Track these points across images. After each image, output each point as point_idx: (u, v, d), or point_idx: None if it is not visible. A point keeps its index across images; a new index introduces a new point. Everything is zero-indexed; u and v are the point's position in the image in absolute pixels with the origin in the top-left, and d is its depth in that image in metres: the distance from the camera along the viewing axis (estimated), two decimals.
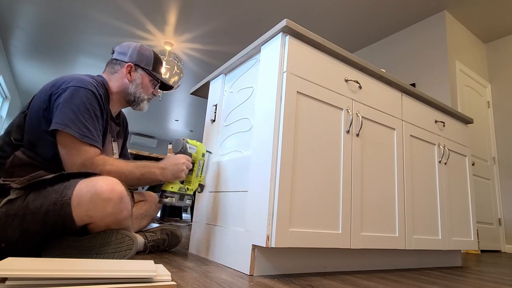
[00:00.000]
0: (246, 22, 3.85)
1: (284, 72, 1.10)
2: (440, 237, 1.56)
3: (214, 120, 1.48)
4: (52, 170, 0.96)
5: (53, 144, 0.96)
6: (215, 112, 1.49)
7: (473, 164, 3.23)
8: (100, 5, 3.65)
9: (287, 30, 1.13)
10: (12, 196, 0.87)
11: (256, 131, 1.14)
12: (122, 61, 1.16)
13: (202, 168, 1.29)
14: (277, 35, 1.15)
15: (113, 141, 1.22)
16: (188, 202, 1.20)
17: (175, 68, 4.27)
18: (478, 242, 3.02)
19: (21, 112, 1.01)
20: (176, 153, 1.19)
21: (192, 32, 4.15)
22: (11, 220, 0.85)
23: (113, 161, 1.01)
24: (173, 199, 1.14)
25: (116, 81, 1.15)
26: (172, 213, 5.07)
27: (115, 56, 1.19)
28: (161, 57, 4.23)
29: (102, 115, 1.05)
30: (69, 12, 3.84)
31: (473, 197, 1.83)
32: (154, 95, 1.26)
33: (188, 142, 1.21)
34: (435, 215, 1.58)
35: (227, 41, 4.29)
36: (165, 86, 1.31)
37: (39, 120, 0.96)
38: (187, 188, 1.20)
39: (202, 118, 7.55)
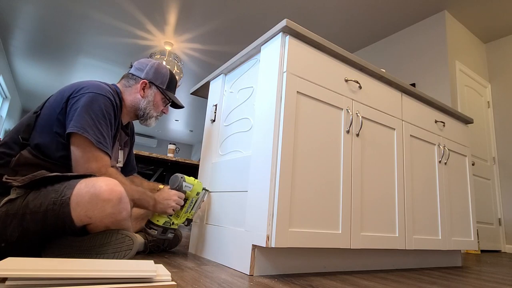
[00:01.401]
0: (246, 22, 3.85)
1: (284, 72, 1.10)
2: (440, 237, 1.56)
3: (214, 120, 1.48)
4: (56, 171, 0.96)
5: (63, 146, 0.97)
6: (215, 112, 1.49)
7: (473, 164, 3.22)
8: (100, 5, 3.64)
9: (287, 30, 1.13)
10: (12, 195, 0.88)
11: (256, 131, 1.13)
12: (138, 77, 1.20)
13: (194, 205, 1.30)
14: (277, 35, 1.15)
15: (120, 149, 1.24)
16: (170, 235, 1.25)
17: (175, 68, 4.27)
18: (478, 242, 3.02)
19: (33, 112, 1.02)
20: (171, 189, 1.23)
21: (192, 32, 4.15)
22: (11, 220, 0.85)
23: (122, 178, 1.05)
24: (156, 232, 1.20)
25: (129, 95, 1.18)
26: None
27: (132, 71, 1.22)
28: (161, 57, 4.23)
29: (115, 123, 1.08)
30: (69, 12, 3.84)
31: (473, 197, 1.83)
32: (164, 112, 1.27)
33: (185, 180, 1.24)
34: (435, 215, 1.58)
35: (227, 41, 4.29)
36: (175, 105, 1.32)
37: (51, 122, 0.98)
38: (172, 223, 1.23)
39: (202, 118, 7.55)
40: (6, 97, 5.98)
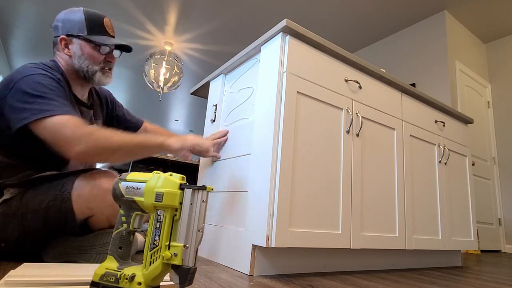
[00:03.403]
0: (246, 22, 3.85)
1: (284, 72, 1.10)
2: (440, 237, 1.56)
3: (214, 120, 1.48)
4: (32, 169, 0.92)
5: (25, 140, 0.88)
6: (215, 112, 1.49)
7: (473, 164, 3.22)
8: (100, 5, 3.64)
9: (287, 30, 1.13)
10: (6, 196, 0.87)
11: (256, 131, 1.13)
12: (57, 37, 1.02)
13: (172, 226, 0.58)
14: (277, 35, 1.15)
15: (91, 123, 1.10)
16: None
17: (175, 68, 4.27)
18: (478, 242, 3.01)
19: None
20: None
21: (192, 32, 4.15)
22: (10, 220, 0.85)
23: (107, 129, 0.90)
24: None
25: (62, 60, 1.02)
26: None
27: (52, 33, 1.04)
28: (161, 57, 4.22)
29: (66, 93, 0.94)
30: None
31: (473, 197, 1.83)
32: (110, 61, 1.05)
33: (125, 180, 0.63)
34: (435, 215, 1.58)
35: (227, 41, 4.29)
36: (121, 48, 1.09)
37: (6, 121, 0.87)
38: (122, 276, 0.57)
39: (202, 118, 7.55)
40: None
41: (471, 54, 3.64)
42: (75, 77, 1.02)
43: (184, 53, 4.66)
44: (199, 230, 0.57)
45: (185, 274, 0.55)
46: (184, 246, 0.56)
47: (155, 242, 0.57)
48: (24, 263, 0.70)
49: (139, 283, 0.55)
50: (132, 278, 0.55)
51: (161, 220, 0.57)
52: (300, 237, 1.02)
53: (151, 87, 4.44)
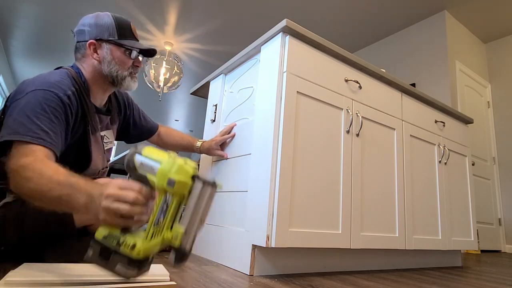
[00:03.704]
0: (246, 22, 3.84)
1: (284, 72, 1.10)
2: (440, 237, 1.56)
3: (214, 120, 1.48)
4: None
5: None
6: (215, 112, 1.49)
7: (473, 164, 3.22)
8: (100, 5, 3.64)
9: (287, 30, 1.13)
10: (8, 199, 0.87)
11: (256, 131, 1.13)
12: (84, 41, 0.98)
13: (178, 210, 0.62)
14: (277, 35, 1.15)
15: (107, 129, 1.09)
16: (121, 269, 0.61)
17: (175, 68, 4.27)
18: (478, 242, 3.01)
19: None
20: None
21: (192, 32, 4.15)
22: (10, 224, 0.85)
23: (45, 167, 0.73)
24: (90, 251, 0.62)
25: (87, 66, 0.99)
26: None
27: (76, 38, 1.01)
28: (161, 57, 4.23)
29: (67, 120, 0.88)
30: (69, 12, 3.84)
31: (473, 197, 1.83)
32: (137, 66, 1.04)
33: (141, 153, 0.65)
34: (435, 215, 1.58)
35: (227, 41, 4.29)
36: (147, 53, 1.08)
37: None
38: (124, 242, 0.60)
39: (202, 118, 7.55)
40: (6, 97, 5.99)
41: (471, 54, 3.64)
42: (101, 82, 1.00)
43: (184, 53, 4.66)
44: (201, 220, 0.61)
45: (181, 256, 0.60)
46: (185, 231, 0.59)
47: (159, 220, 0.61)
48: (24, 263, 0.70)
49: (138, 253, 0.59)
50: (133, 246, 0.59)
51: (168, 203, 0.61)
52: (300, 237, 1.02)
53: (151, 87, 4.44)
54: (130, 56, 1.01)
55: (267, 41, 1.20)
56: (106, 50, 0.98)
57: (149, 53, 1.07)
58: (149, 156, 0.63)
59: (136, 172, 0.64)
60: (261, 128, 1.11)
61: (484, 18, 3.46)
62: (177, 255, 0.60)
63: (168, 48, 4.42)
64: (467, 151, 1.87)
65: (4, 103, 0.88)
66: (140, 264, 0.61)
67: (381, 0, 3.28)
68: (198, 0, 3.51)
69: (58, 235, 0.88)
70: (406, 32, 3.67)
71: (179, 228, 0.59)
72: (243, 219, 1.10)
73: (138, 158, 0.64)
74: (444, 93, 3.16)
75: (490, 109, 3.71)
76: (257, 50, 1.27)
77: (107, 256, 0.61)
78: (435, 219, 1.57)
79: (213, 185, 0.62)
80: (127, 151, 0.70)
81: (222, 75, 1.52)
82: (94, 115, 0.99)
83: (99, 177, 0.99)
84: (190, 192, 0.60)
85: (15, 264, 0.73)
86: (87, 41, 0.98)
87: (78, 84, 0.93)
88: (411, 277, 1.20)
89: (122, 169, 3.39)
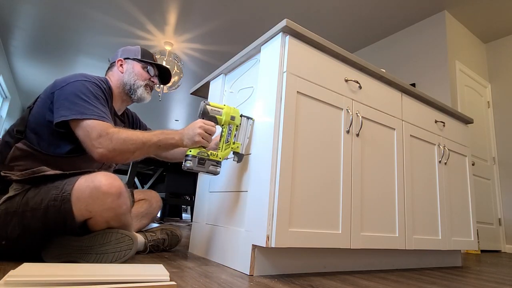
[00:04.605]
0: (246, 22, 3.85)
1: (284, 72, 1.10)
2: (440, 237, 1.56)
3: None
4: (52, 163, 0.98)
5: (56, 134, 0.99)
6: None
7: (473, 164, 3.22)
8: (100, 5, 3.64)
9: (287, 30, 1.13)
10: (10, 193, 0.88)
11: (256, 131, 1.14)
12: (114, 61, 1.25)
13: (236, 133, 1.14)
14: (277, 35, 1.15)
15: None
16: (212, 168, 1.08)
17: (175, 68, 4.27)
18: (478, 242, 3.02)
19: (28, 107, 1.06)
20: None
21: (192, 32, 4.15)
22: (11, 218, 0.85)
23: (129, 130, 1.03)
24: (191, 162, 1.05)
25: (113, 76, 1.22)
26: (172, 213, 5.08)
27: (110, 61, 1.30)
28: (161, 57, 4.24)
29: (107, 105, 1.08)
30: (69, 12, 3.84)
31: (473, 197, 1.83)
32: (153, 82, 1.27)
33: (209, 104, 1.11)
34: (435, 215, 1.58)
35: (227, 41, 4.29)
36: (163, 78, 1.34)
37: (44, 113, 0.99)
38: (210, 153, 1.08)
39: None
40: (6, 97, 5.98)
41: (471, 54, 3.64)
42: (121, 91, 1.21)
43: (184, 53, 4.66)
44: (247, 137, 1.17)
45: (241, 156, 1.16)
46: (241, 144, 1.15)
47: (228, 139, 1.13)
48: (24, 263, 0.70)
49: (222, 157, 1.11)
50: (216, 155, 1.09)
51: (231, 129, 1.14)
52: (300, 237, 1.02)
53: None
54: (148, 72, 1.26)
55: (267, 41, 1.20)
56: (129, 65, 1.24)
57: (164, 72, 1.34)
58: (214, 105, 1.12)
59: (208, 115, 1.10)
60: (261, 128, 1.11)
61: (484, 18, 3.46)
62: (239, 157, 1.15)
63: (168, 48, 4.42)
64: (467, 151, 1.87)
65: (35, 98, 1.06)
66: (220, 164, 1.10)
67: (381, 0, 3.29)
68: (198, 0, 3.51)
69: (59, 229, 0.89)
70: (406, 32, 3.67)
71: (238, 143, 1.14)
72: (243, 219, 1.10)
73: (208, 107, 1.11)
74: (444, 93, 3.16)
75: (490, 109, 3.71)
76: (257, 50, 1.27)
77: (202, 163, 1.07)
78: (435, 219, 1.58)
79: (252, 118, 1.17)
80: (201, 104, 1.12)
81: (222, 75, 1.53)
82: (113, 116, 1.18)
83: (103, 170, 1.06)
84: (240, 123, 1.14)
85: (15, 263, 0.73)
86: (117, 59, 1.24)
87: (105, 86, 1.13)
88: (411, 277, 1.20)
89: (123, 169, 3.45)
